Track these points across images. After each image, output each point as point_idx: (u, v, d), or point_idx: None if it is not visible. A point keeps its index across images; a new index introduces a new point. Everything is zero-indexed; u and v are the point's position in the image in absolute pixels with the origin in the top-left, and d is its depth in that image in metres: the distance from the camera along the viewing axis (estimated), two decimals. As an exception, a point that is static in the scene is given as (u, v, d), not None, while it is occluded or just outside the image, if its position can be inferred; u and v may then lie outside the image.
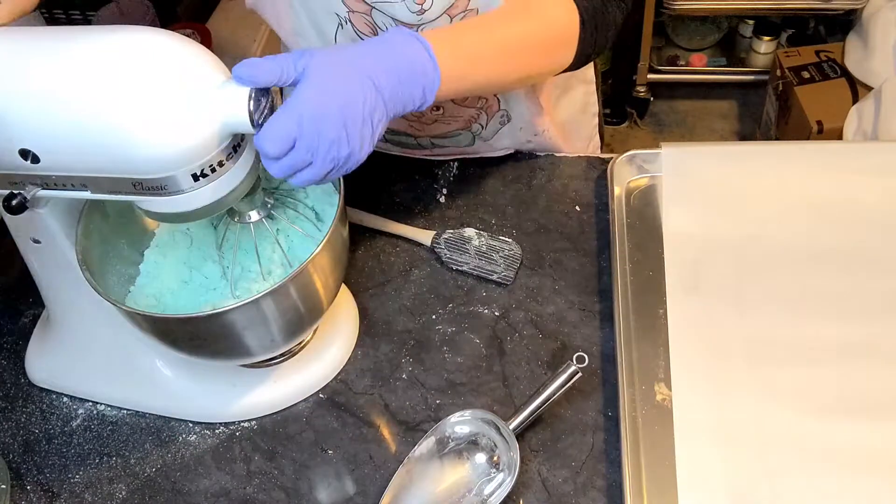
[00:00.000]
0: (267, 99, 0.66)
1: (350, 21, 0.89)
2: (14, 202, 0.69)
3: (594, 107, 1.17)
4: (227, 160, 0.67)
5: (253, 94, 0.64)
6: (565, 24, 0.84)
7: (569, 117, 1.12)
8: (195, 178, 0.66)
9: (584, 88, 1.12)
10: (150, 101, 0.63)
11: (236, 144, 0.68)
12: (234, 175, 0.69)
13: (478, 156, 1.08)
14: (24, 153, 0.66)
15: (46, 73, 0.63)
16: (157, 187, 0.66)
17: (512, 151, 1.07)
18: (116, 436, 0.88)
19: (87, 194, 0.69)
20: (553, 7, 0.84)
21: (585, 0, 0.85)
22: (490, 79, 0.82)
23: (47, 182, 0.69)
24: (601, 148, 1.24)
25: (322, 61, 0.68)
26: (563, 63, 0.87)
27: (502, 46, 0.81)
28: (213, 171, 0.67)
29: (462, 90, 0.80)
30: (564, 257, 0.97)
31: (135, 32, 0.65)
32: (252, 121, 0.64)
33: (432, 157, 1.08)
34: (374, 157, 1.08)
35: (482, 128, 1.03)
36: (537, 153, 1.08)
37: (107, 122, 0.63)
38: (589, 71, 1.11)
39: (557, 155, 1.08)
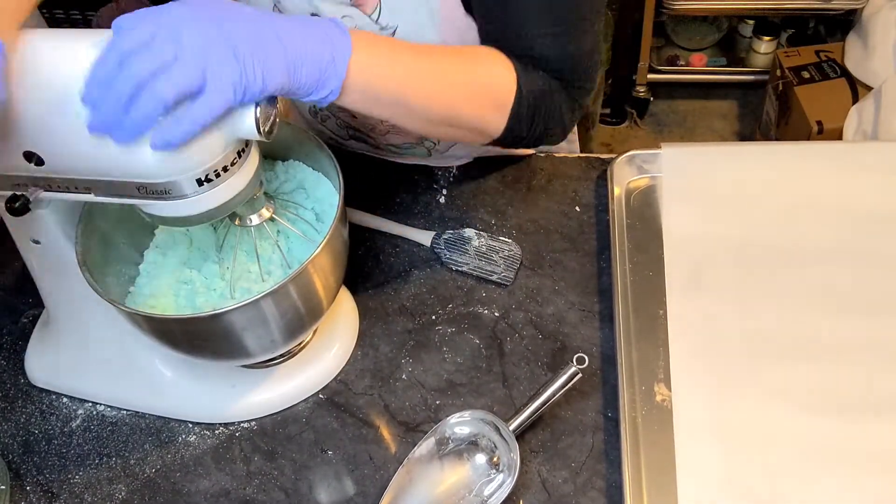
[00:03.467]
0: (274, 105, 0.66)
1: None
2: (17, 204, 0.69)
3: (575, 144, 1.15)
4: (231, 165, 0.67)
5: (260, 100, 0.64)
6: (503, 85, 0.80)
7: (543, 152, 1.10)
8: (199, 182, 0.66)
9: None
10: None
11: (241, 149, 0.68)
12: (238, 180, 0.69)
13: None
14: (29, 155, 0.66)
15: (52, 76, 0.63)
16: (160, 191, 0.66)
17: (471, 160, 1.07)
18: (116, 436, 0.88)
19: (90, 197, 0.69)
20: (496, 65, 0.80)
21: (528, 77, 0.81)
22: (408, 96, 0.74)
23: (51, 184, 0.69)
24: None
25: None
26: (492, 126, 0.82)
27: (430, 66, 0.76)
28: (218, 175, 0.67)
29: (376, 90, 0.71)
30: (564, 257, 0.97)
31: None
32: (258, 126, 0.64)
33: (398, 161, 1.08)
34: (374, 157, 1.09)
35: (434, 144, 1.02)
36: (539, 153, 1.08)
37: None
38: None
39: (557, 155, 1.08)
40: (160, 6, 0.62)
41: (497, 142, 0.84)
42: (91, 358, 0.89)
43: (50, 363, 0.92)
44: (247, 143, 0.69)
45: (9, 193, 0.69)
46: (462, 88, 0.78)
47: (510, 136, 0.83)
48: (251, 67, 0.61)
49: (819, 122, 1.89)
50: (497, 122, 0.82)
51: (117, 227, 0.84)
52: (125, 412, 0.90)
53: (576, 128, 1.11)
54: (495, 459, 0.80)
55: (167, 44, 0.59)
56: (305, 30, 0.65)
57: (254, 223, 0.78)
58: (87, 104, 0.61)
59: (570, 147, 1.13)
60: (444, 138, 0.91)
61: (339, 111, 1.02)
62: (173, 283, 0.84)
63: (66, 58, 0.63)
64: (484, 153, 1.06)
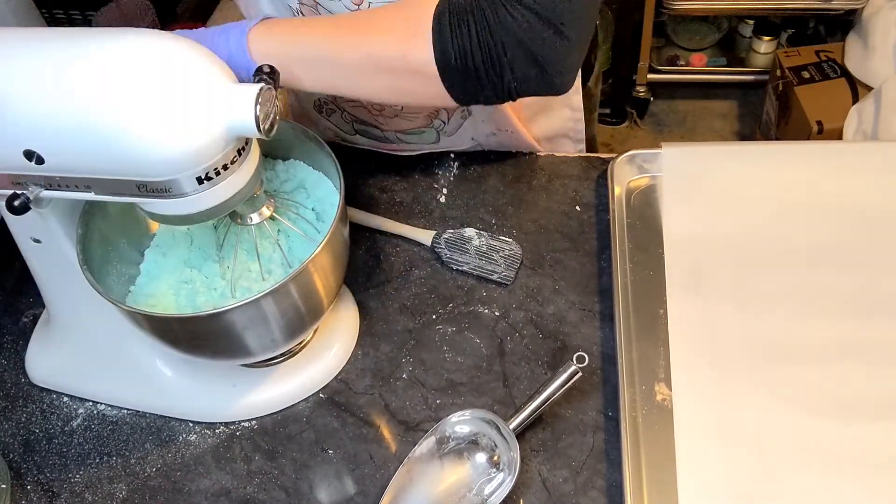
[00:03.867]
0: (273, 101, 0.66)
1: (301, 13, 0.89)
2: (17, 203, 0.69)
3: (580, 133, 1.12)
4: (231, 163, 0.67)
5: (259, 97, 0.64)
6: (417, 6, 0.73)
7: (548, 136, 1.10)
8: (199, 181, 0.66)
9: (567, 114, 1.08)
10: (156, 104, 0.63)
11: (241, 148, 0.68)
12: (239, 178, 0.69)
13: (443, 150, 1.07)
14: (29, 154, 0.66)
15: (53, 75, 0.63)
16: (161, 190, 0.66)
17: (479, 148, 1.06)
18: (116, 435, 0.88)
19: (90, 195, 0.69)
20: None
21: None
22: (315, 45, 0.74)
23: (51, 183, 0.69)
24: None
25: None
26: (418, 54, 0.73)
27: (330, 19, 0.77)
28: (218, 174, 0.67)
29: (285, 48, 0.74)
30: (564, 257, 0.97)
31: (141, 35, 0.65)
32: (258, 123, 0.64)
33: (400, 153, 1.08)
34: (374, 156, 1.09)
35: (444, 123, 1.02)
36: (539, 153, 1.08)
37: (112, 125, 0.63)
38: (575, 97, 1.06)
39: (558, 155, 1.08)
40: None
41: (448, 85, 0.74)
42: (91, 357, 0.89)
43: (50, 362, 0.92)
44: (247, 141, 0.69)
45: (9, 192, 0.69)
46: (368, 24, 0.75)
47: (451, 67, 0.72)
48: None
49: (819, 122, 1.89)
50: (420, 47, 0.72)
51: (118, 227, 0.84)
52: (126, 411, 0.90)
53: (583, 127, 1.11)
54: (495, 458, 0.80)
55: None
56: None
57: (254, 222, 0.78)
58: None
59: (576, 147, 1.12)
60: (389, 96, 0.80)
61: (344, 103, 1.02)
62: (174, 283, 0.84)
63: (67, 58, 0.63)
64: (489, 138, 1.05)
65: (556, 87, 0.75)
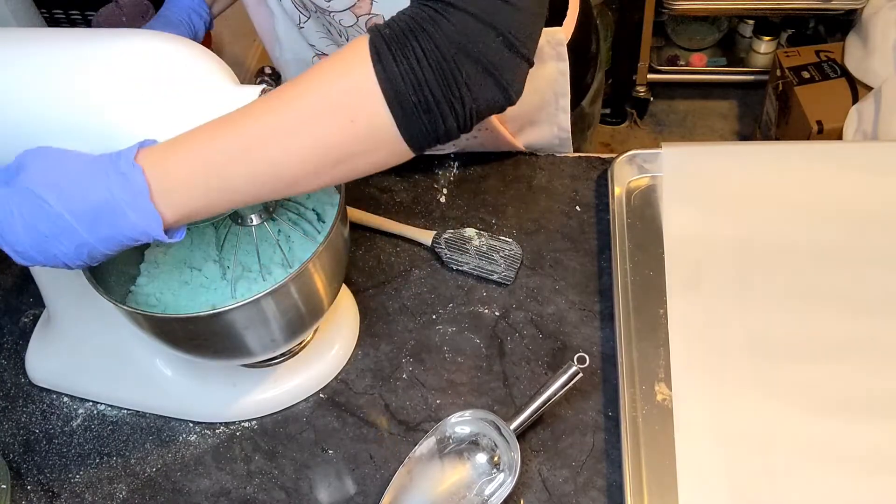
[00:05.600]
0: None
1: (306, 12, 0.90)
2: None
3: (568, 148, 1.08)
4: None
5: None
6: (348, 54, 0.62)
7: (534, 149, 1.08)
8: None
9: (554, 132, 1.06)
10: (157, 105, 0.63)
11: None
12: None
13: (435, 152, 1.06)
14: None
15: (54, 76, 0.63)
16: None
17: (459, 151, 1.06)
18: (117, 436, 0.88)
19: None
20: (336, 55, 0.63)
21: (389, 27, 0.63)
22: (240, 171, 0.61)
23: None
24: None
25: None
26: (376, 123, 0.62)
27: (246, 123, 0.62)
28: None
29: (206, 194, 0.62)
30: (565, 257, 0.97)
31: (142, 36, 0.65)
32: None
33: None
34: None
35: None
36: (539, 153, 1.08)
37: (113, 125, 0.62)
38: (562, 116, 1.03)
39: (558, 155, 1.08)
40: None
41: (406, 128, 0.62)
42: (92, 357, 0.89)
43: (51, 363, 0.92)
44: None
45: None
46: (301, 110, 0.61)
47: (407, 103, 0.61)
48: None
49: (819, 122, 1.89)
50: (371, 110, 0.61)
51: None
52: (126, 411, 0.90)
53: (570, 145, 1.08)
54: (496, 459, 0.80)
55: None
56: (89, 190, 0.60)
57: (254, 222, 0.78)
58: None
59: (561, 136, 1.06)
60: (356, 174, 0.66)
61: None
62: (174, 283, 0.84)
63: (69, 59, 0.63)
64: (470, 140, 1.04)
65: (510, 99, 0.66)
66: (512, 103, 0.67)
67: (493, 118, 0.99)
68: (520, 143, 1.06)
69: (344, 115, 0.61)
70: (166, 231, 0.62)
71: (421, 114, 0.62)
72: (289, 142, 0.61)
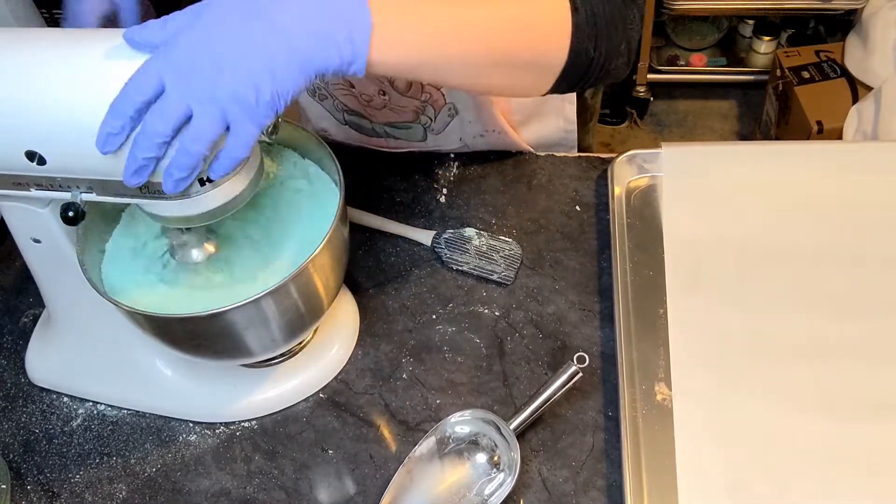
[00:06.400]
0: None
1: None
2: (71, 213, 0.68)
3: (572, 143, 1.10)
4: None
5: None
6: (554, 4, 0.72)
7: (539, 143, 1.08)
8: (202, 182, 0.66)
9: (560, 124, 1.07)
10: None
11: None
12: (241, 180, 0.69)
13: (429, 150, 1.06)
14: (31, 155, 0.65)
15: (55, 75, 0.63)
16: (163, 191, 0.66)
17: (466, 149, 1.06)
18: (116, 436, 0.88)
19: (92, 196, 0.69)
20: None
21: None
22: (451, 52, 0.67)
23: (52, 183, 0.69)
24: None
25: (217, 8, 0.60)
26: (553, 55, 0.72)
27: (466, 13, 0.67)
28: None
29: (412, 59, 0.66)
30: (564, 257, 0.97)
31: None
32: None
33: (388, 150, 1.08)
34: (374, 156, 1.09)
35: (431, 120, 1.01)
36: (539, 153, 1.08)
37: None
38: (568, 107, 1.05)
39: (558, 155, 1.08)
40: (169, 17, 0.61)
41: (561, 79, 0.74)
42: (91, 357, 0.89)
43: (50, 363, 0.92)
44: None
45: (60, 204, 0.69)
46: (509, 23, 0.69)
47: (575, 64, 0.73)
48: (271, 99, 0.60)
49: (819, 122, 1.89)
50: (558, 45, 0.71)
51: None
52: (126, 411, 0.90)
53: (576, 138, 1.09)
54: (496, 459, 0.80)
55: (177, 102, 0.59)
56: (315, 16, 0.61)
57: (198, 259, 0.78)
58: (104, 153, 0.62)
59: (567, 128, 1.08)
60: (498, 88, 0.79)
61: (336, 90, 1.02)
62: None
63: (70, 58, 0.63)
64: (476, 140, 1.05)
65: (627, 71, 0.80)
66: (622, 76, 0.80)
67: (498, 113, 1.00)
68: (525, 142, 1.06)
69: (536, 32, 0.71)
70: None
71: (579, 71, 0.74)
72: (498, 27, 0.69)
